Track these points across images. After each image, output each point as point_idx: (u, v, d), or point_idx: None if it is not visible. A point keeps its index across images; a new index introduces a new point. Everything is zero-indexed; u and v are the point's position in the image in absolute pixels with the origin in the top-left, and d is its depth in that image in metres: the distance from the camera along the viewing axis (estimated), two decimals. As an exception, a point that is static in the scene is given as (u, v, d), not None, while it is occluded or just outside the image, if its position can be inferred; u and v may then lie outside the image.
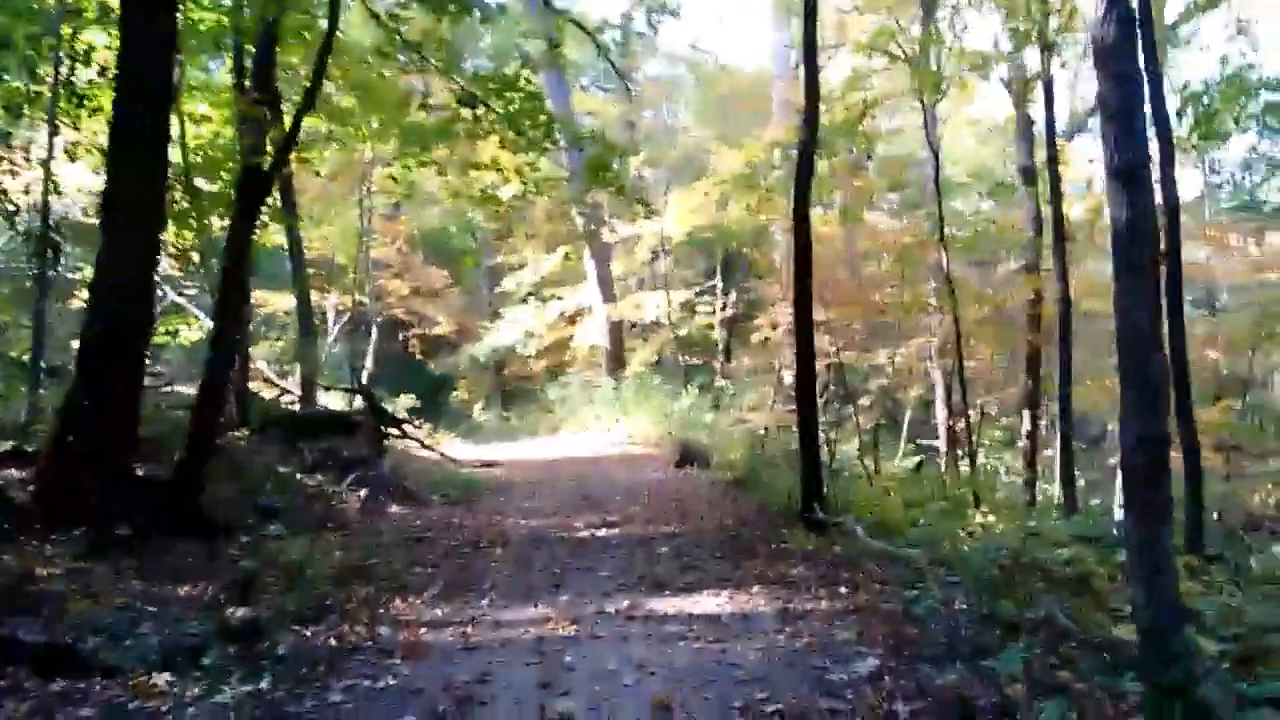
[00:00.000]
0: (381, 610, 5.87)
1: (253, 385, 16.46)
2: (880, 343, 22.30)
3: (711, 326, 22.52)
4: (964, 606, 5.30)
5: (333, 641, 5.15)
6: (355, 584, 6.44)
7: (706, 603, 5.75)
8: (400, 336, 26.29)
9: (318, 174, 16.02)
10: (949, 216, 16.31)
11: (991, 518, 8.37)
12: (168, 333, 17.77)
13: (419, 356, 25.62)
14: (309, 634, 5.28)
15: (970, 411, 19.81)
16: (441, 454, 15.17)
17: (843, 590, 5.83)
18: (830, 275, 17.98)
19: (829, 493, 8.38)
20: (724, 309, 22.56)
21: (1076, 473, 22.52)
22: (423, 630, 5.41)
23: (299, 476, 10.44)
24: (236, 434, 11.00)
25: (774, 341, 21.40)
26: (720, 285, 22.62)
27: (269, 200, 9.56)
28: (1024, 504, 10.99)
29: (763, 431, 18.07)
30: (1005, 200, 20.15)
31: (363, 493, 10.45)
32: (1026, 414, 15.34)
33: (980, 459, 19.76)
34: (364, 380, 14.69)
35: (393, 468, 12.10)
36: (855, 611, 5.41)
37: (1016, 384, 22.23)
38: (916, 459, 20.16)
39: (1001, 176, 23.46)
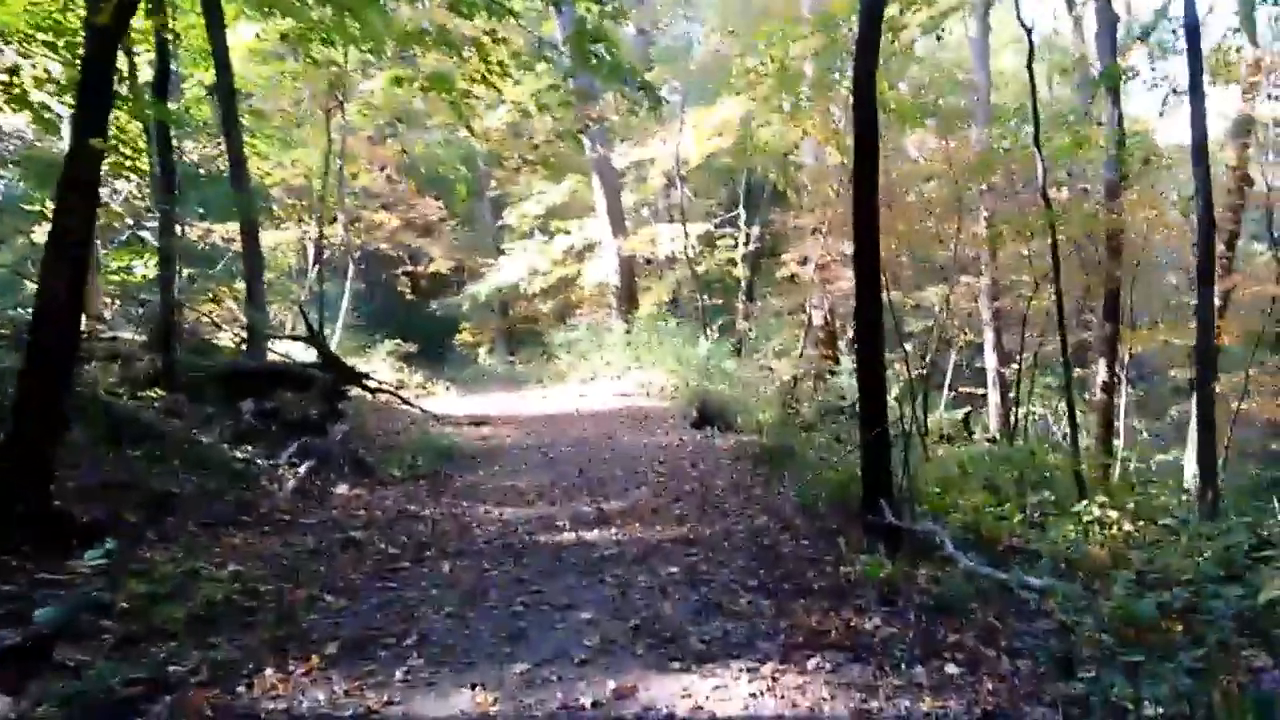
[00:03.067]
0: (241, 688, 3.83)
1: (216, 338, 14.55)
2: (923, 280, 20.05)
3: (733, 263, 20.19)
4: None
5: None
6: (221, 633, 4.40)
7: (737, 689, 3.64)
8: (387, 275, 24.15)
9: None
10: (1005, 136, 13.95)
11: (1113, 513, 6.21)
12: (119, 270, 15.80)
13: (409, 296, 23.51)
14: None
15: (1022, 356, 17.62)
16: (422, 410, 13.13)
17: (952, 669, 3.70)
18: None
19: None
20: (747, 243, 20.19)
21: (1135, 423, 20.38)
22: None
23: (224, 448, 8.39)
24: (152, 393, 8.94)
25: (802, 279, 19.17)
26: (743, 216, 20.22)
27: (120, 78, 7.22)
28: (1141, 486, 8.80)
29: (791, 381, 15.93)
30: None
31: (303, 468, 8.41)
32: (1102, 363, 13.08)
33: (1035, 406, 17.61)
34: (311, 321, 12.50)
35: (351, 432, 10.07)
36: None
37: (1073, 327, 20.05)
38: (964, 411, 18.03)
39: (1048, 100, 20.80)
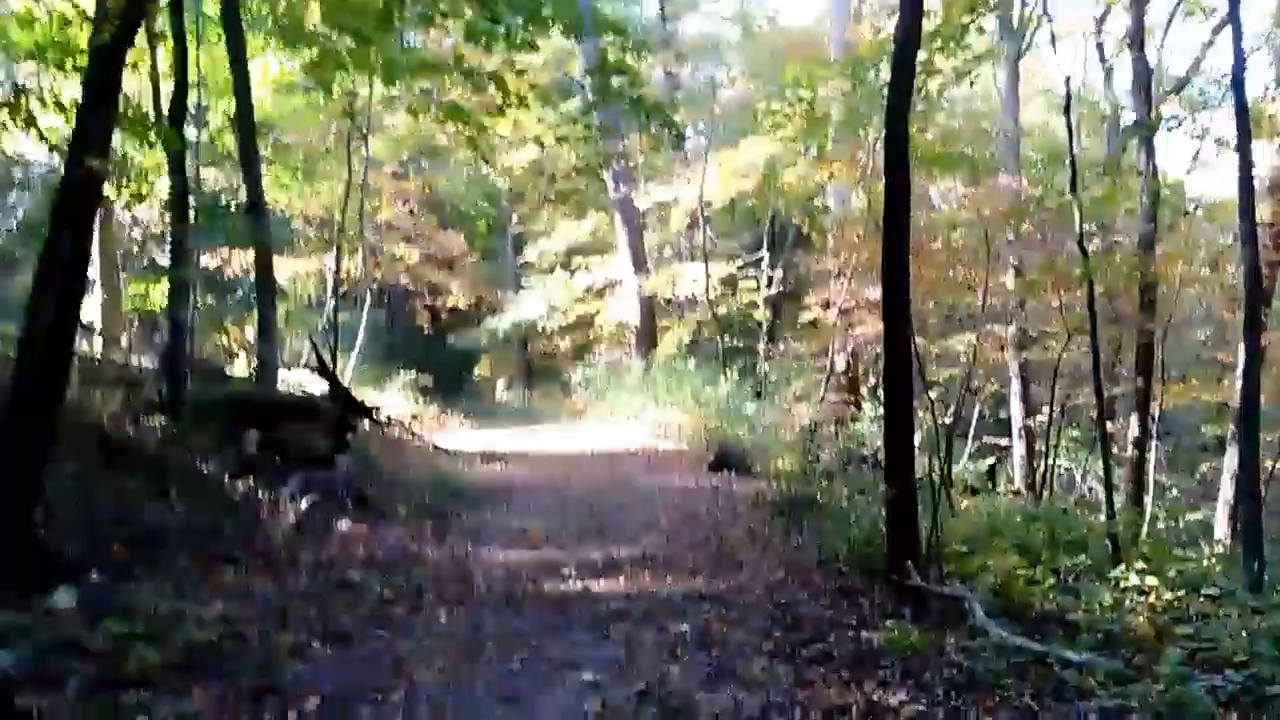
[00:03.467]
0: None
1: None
2: (948, 329, 19.68)
3: (755, 305, 19.90)
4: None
5: None
6: (199, 681, 4.11)
7: (749, 770, 3.31)
8: (407, 308, 24.05)
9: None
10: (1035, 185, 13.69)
11: (1152, 579, 5.83)
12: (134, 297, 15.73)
13: (428, 330, 23.36)
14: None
15: (1049, 409, 17.18)
16: (435, 446, 12.88)
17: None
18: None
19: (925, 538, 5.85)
20: (770, 285, 19.92)
21: (1164, 479, 19.86)
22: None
23: (225, 479, 8.14)
24: (153, 422, 8.71)
25: (824, 323, 18.86)
26: (766, 259, 19.99)
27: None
28: (1177, 547, 8.37)
29: (811, 426, 15.55)
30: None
31: (305, 503, 8.14)
32: (1134, 418, 12.66)
33: (1061, 460, 17.15)
34: (322, 353, 12.31)
35: (359, 466, 9.81)
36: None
37: (1103, 379, 19.57)
38: (989, 462, 17.58)
39: (1078, 152, 20.43)
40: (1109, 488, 8.08)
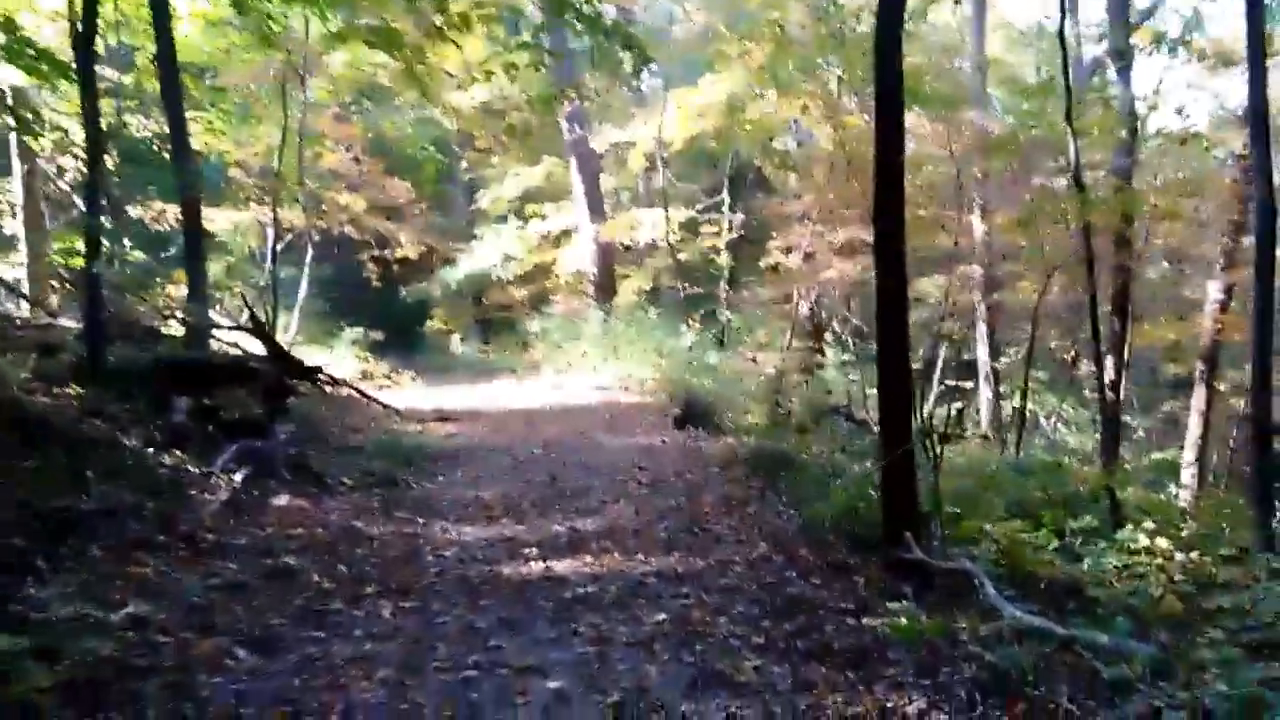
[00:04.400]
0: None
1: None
2: (913, 271, 19.22)
3: (716, 250, 19.26)
4: None
5: None
6: (96, 706, 3.49)
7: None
8: (354, 260, 23.09)
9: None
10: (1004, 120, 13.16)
11: (1163, 541, 5.38)
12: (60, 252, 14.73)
13: (376, 282, 22.47)
14: None
15: (1019, 351, 16.88)
16: (384, 406, 12.18)
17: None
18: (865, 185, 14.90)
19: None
20: (730, 229, 19.26)
21: (1129, 419, 19.69)
22: None
23: (149, 453, 7.41)
24: (70, 390, 7.93)
25: (787, 268, 18.31)
26: (727, 202, 19.30)
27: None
28: (1171, 504, 7.98)
29: (777, 376, 15.07)
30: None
31: (239, 476, 7.45)
32: (1109, 360, 12.28)
33: (1026, 403, 16.90)
34: (253, 308, 11.51)
35: (300, 433, 9.11)
36: None
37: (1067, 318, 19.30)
38: (956, 406, 17.29)
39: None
40: (1115, 439, 7.64)
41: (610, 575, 5.06)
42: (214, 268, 19.23)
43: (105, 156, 11.95)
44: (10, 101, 12.66)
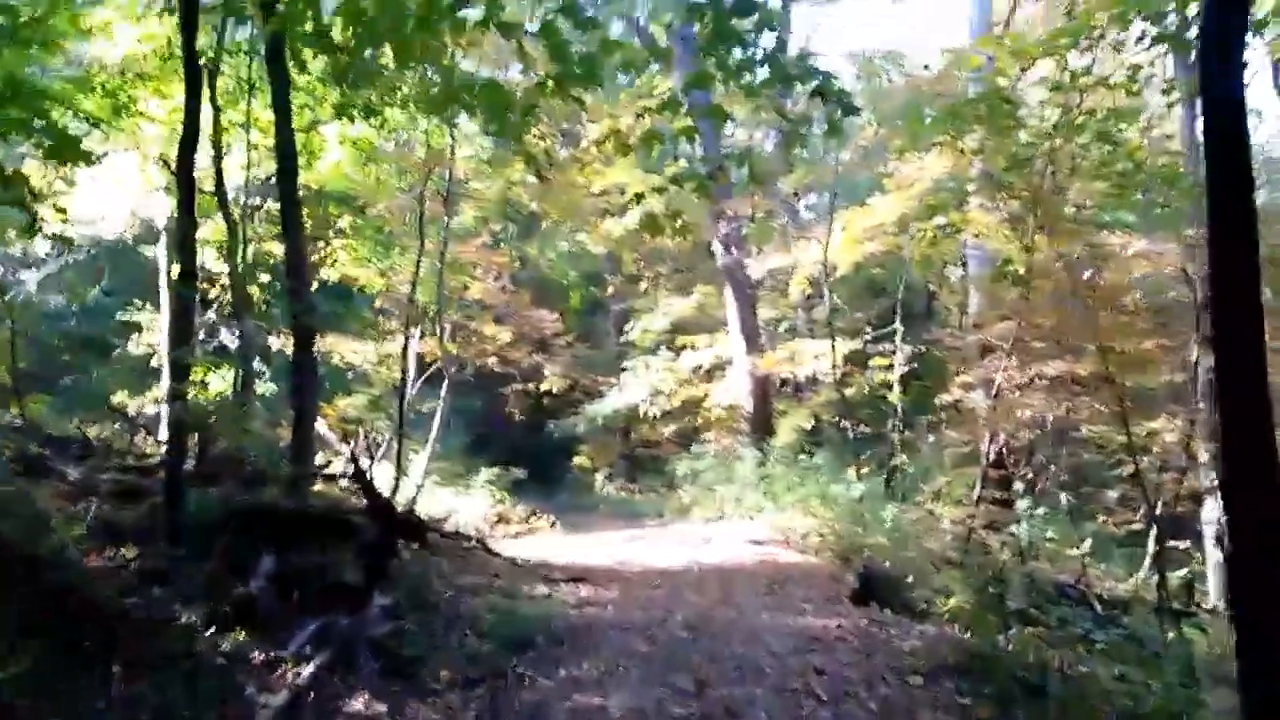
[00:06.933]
0: None
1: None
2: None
3: (887, 385, 17.25)
4: None
5: None
6: None
7: None
8: (498, 393, 22.28)
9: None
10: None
11: None
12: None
13: (519, 417, 21.50)
14: None
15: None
16: (513, 563, 10.69)
17: None
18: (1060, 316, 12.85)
19: None
20: (905, 362, 17.27)
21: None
22: None
23: (209, 633, 6.05)
24: (125, 551, 6.76)
25: (967, 408, 16.12)
26: (900, 332, 17.40)
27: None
28: None
29: (965, 535, 12.78)
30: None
31: (311, 667, 5.98)
32: None
33: None
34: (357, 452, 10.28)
35: (403, 599, 7.64)
36: None
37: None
38: (1183, 573, 14.40)
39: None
40: None
41: None
42: (358, 400, 18.69)
43: (244, 286, 11.39)
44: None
